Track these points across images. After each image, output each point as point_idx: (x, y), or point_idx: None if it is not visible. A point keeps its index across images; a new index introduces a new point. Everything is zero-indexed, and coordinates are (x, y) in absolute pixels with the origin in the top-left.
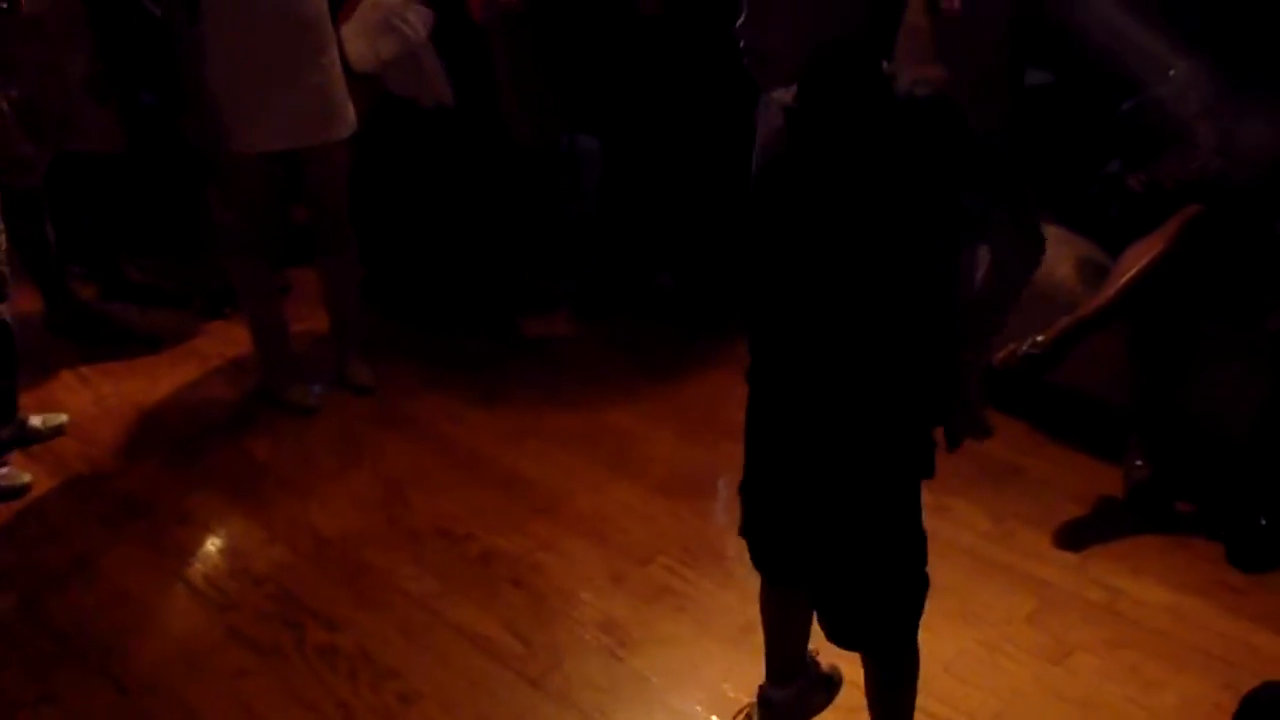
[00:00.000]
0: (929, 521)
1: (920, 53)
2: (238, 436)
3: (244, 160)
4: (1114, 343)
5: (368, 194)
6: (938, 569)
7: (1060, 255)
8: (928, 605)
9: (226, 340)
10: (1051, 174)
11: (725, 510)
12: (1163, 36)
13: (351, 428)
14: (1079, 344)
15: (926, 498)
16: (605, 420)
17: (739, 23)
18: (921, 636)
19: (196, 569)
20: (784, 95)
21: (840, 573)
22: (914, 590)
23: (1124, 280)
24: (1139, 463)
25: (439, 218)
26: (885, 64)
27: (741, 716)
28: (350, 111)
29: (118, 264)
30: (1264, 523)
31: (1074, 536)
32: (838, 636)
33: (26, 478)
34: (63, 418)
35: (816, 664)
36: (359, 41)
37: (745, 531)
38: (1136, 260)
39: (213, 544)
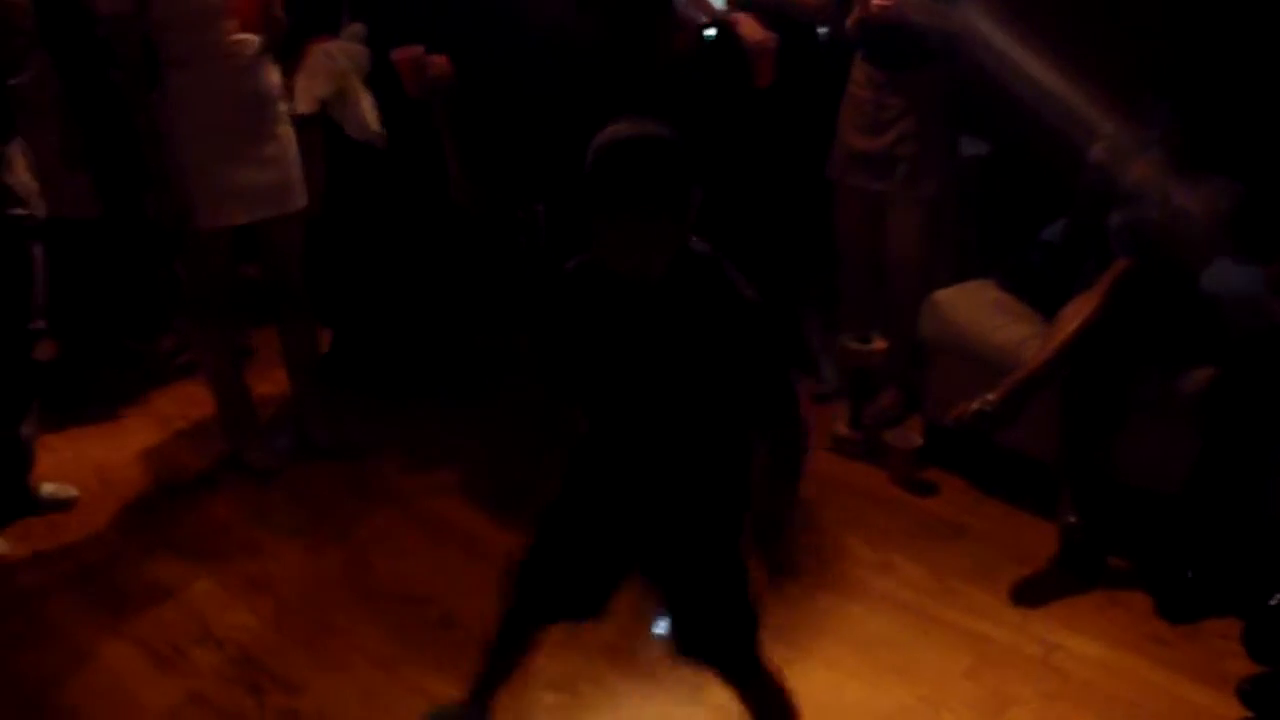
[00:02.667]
0: (873, 578)
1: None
2: (200, 499)
3: (206, 234)
4: (1048, 401)
5: (327, 261)
6: (879, 624)
7: (1001, 321)
8: (869, 660)
9: (189, 402)
10: (992, 241)
11: None
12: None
13: (314, 490)
14: (1028, 400)
15: (870, 555)
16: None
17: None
18: (863, 692)
19: (158, 633)
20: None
21: (701, 598)
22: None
23: (1062, 336)
24: (1071, 518)
25: (394, 281)
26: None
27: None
28: (303, 182)
29: (84, 324)
30: (1191, 576)
31: (1012, 593)
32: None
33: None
34: (73, 492)
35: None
36: (301, 84)
37: (523, 581)
38: (1074, 317)
39: (174, 608)
